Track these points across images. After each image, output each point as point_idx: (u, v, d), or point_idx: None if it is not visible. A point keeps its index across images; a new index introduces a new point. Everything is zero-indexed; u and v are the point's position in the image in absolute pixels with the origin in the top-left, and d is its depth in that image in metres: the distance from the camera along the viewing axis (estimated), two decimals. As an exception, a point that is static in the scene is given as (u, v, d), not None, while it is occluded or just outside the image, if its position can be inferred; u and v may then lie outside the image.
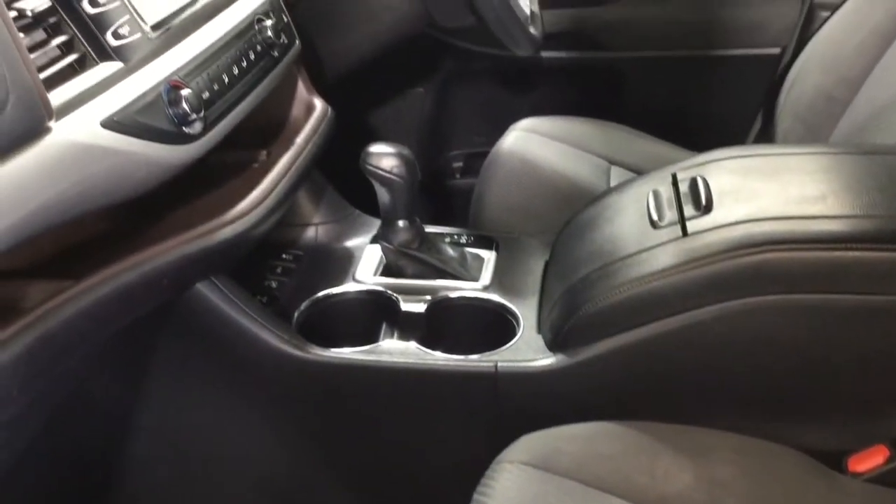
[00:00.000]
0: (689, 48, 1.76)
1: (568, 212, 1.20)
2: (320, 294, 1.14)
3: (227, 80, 0.95)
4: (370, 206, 1.20)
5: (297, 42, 1.16)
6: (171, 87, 0.86)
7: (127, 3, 0.85)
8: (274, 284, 1.16)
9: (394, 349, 1.04)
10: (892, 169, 0.96)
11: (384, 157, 1.09)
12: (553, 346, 1.00)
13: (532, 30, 1.33)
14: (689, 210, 0.97)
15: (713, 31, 1.73)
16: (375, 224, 1.27)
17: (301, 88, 1.22)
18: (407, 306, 1.11)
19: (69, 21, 0.80)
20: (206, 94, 0.91)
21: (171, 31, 0.90)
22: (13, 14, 0.74)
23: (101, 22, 0.81)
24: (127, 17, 0.85)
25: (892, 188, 0.91)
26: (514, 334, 1.05)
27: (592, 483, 0.85)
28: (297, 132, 1.14)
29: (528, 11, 1.38)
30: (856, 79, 1.36)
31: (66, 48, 0.79)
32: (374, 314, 1.13)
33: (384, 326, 1.11)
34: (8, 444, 0.88)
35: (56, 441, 1.04)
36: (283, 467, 1.13)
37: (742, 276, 0.89)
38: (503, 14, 1.23)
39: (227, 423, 1.10)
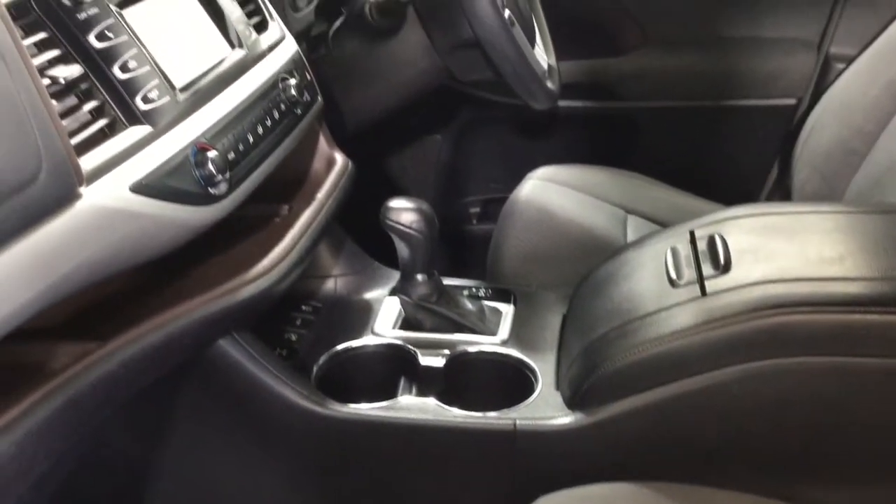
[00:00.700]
0: (705, 98, 1.78)
1: (585, 263, 1.20)
2: (339, 347, 1.15)
3: (251, 139, 0.97)
4: (388, 256, 1.21)
5: (320, 98, 1.18)
6: (198, 149, 0.88)
7: (156, 67, 0.87)
8: (293, 337, 1.17)
9: (412, 405, 1.04)
10: (910, 230, 0.96)
11: (404, 212, 1.11)
12: (572, 403, 1.00)
13: (549, 84, 1.35)
14: (707, 269, 0.98)
15: (729, 82, 1.75)
16: (394, 276, 1.28)
17: (322, 143, 1.23)
18: (425, 360, 1.11)
19: (100, 87, 0.81)
20: (231, 155, 0.92)
21: (198, 93, 0.92)
22: (46, 81, 0.76)
23: (131, 87, 0.83)
24: (156, 81, 0.87)
25: (909, 250, 0.92)
26: (532, 390, 1.06)
27: (611, 546, 0.84)
28: (318, 187, 1.16)
29: (545, 66, 1.40)
30: (872, 132, 1.36)
31: (96, 113, 0.81)
32: (393, 368, 1.13)
33: (402, 380, 1.11)
34: (31, 502, 0.89)
35: (76, 495, 1.04)
36: None
37: (761, 337, 0.89)
38: (521, 69, 1.25)
39: (245, 477, 1.10)
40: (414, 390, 1.09)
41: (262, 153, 0.99)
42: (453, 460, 1.04)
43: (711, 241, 1.01)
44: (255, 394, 1.03)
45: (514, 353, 1.12)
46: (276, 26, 1.14)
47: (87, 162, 0.76)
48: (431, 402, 1.04)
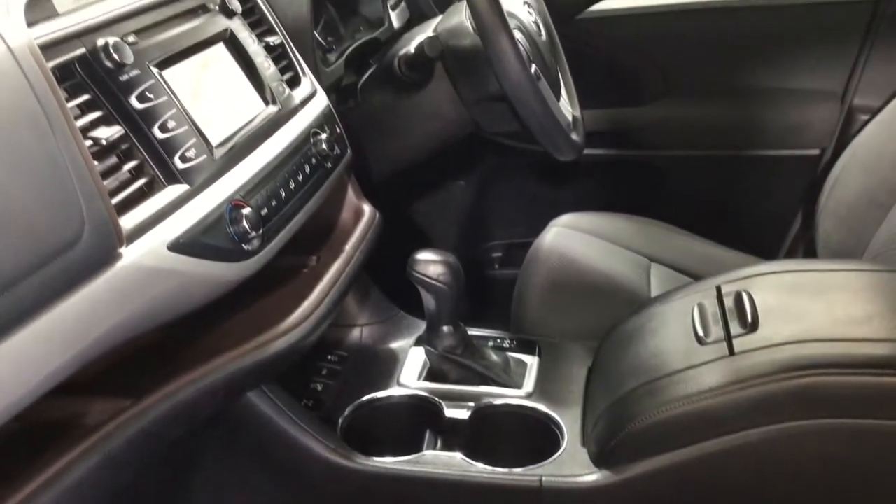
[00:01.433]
0: (729, 148, 1.78)
1: (609, 312, 1.20)
2: (365, 398, 1.15)
3: (283, 195, 0.99)
4: (412, 302, 1.22)
5: (349, 151, 1.20)
6: (233, 206, 0.89)
7: (194, 127, 0.89)
8: (319, 387, 1.18)
9: (438, 460, 1.04)
10: (939, 290, 0.96)
11: (430, 264, 1.12)
12: (598, 461, 1.00)
13: (574, 135, 1.36)
14: (734, 327, 0.98)
15: (753, 132, 1.75)
16: (419, 325, 1.28)
17: (350, 194, 1.25)
18: (451, 412, 1.12)
19: (140, 147, 0.83)
20: (264, 211, 0.94)
21: (233, 150, 0.94)
22: (89, 143, 0.78)
23: (170, 146, 0.85)
24: (194, 139, 0.88)
25: (938, 311, 0.92)
26: (557, 445, 1.06)
27: None
28: (346, 238, 1.17)
29: (569, 117, 1.41)
30: (896, 184, 1.37)
31: (136, 172, 0.83)
32: (418, 419, 1.14)
33: (428, 433, 1.11)
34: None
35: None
36: None
37: (789, 399, 0.89)
38: (546, 123, 1.26)
39: (270, 529, 1.11)
40: (439, 443, 1.09)
41: (294, 208, 1.01)
42: (479, 516, 1.04)
43: (738, 298, 1.01)
44: (281, 445, 1.04)
45: (539, 406, 1.12)
46: (307, 81, 1.16)
47: (127, 221, 0.77)
48: (457, 456, 1.05)
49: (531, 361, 1.22)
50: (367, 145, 1.33)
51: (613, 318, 1.19)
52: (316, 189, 1.07)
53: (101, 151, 0.80)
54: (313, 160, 1.08)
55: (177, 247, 0.81)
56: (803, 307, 0.97)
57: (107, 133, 0.80)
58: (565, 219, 1.55)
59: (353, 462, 1.03)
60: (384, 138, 1.37)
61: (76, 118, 0.77)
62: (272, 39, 1.13)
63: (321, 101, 1.17)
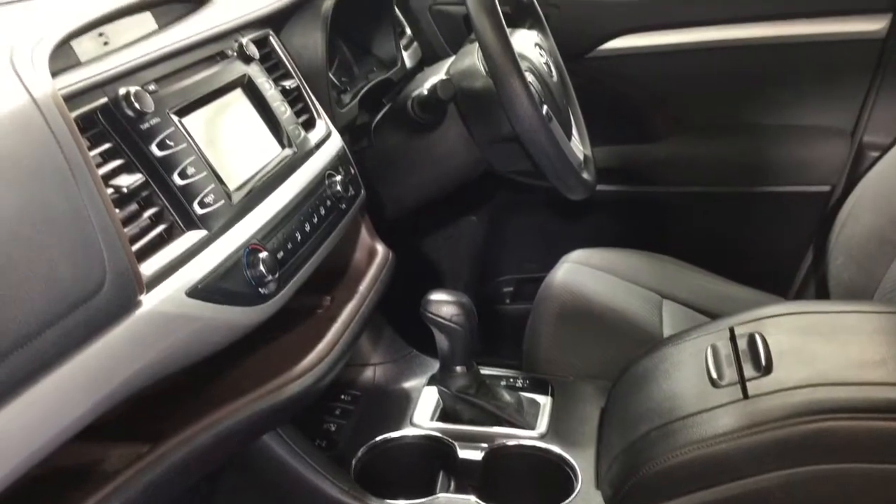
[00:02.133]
0: (739, 184, 1.79)
1: (621, 350, 1.20)
2: (378, 439, 1.16)
3: (299, 237, 1.00)
4: (426, 341, 1.23)
5: (363, 191, 1.21)
6: (251, 250, 0.90)
7: (212, 172, 0.90)
8: (333, 427, 1.18)
9: (452, 503, 1.04)
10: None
11: (444, 304, 1.12)
12: (613, 504, 1.00)
13: (585, 175, 1.37)
14: (748, 370, 0.98)
15: (763, 168, 1.76)
16: (432, 364, 1.29)
17: (364, 234, 1.26)
18: (464, 453, 1.12)
19: (160, 194, 0.84)
20: (280, 254, 0.95)
21: (251, 194, 0.95)
22: (110, 191, 0.79)
23: (189, 193, 0.86)
24: (212, 185, 0.90)
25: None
26: (571, 488, 1.06)
27: None
28: (360, 278, 1.18)
29: (581, 156, 1.42)
30: (907, 221, 1.37)
31: (155, 218, 0.84)
32: (432, 460, 1.14)
33: (441, 474, 1.11)
34: None
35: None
36: None
37: (804, 443, 0.89)
38: (558, 164, 1.27)
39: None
40: (452, 484, 1.09)
41: (309, 250, 1.02)
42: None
43: (752, 341, 1.01)
44: (295, 487, 1.04)
45: (553, 448, 1.12)
46: (322, 123, 1.18)
47: (147, 268, 0.78)
48: (471, 499, 1.05)
49: (544, 401, 1.22)
50: (381, 185, 1.34)
51: (626, 356, 1.19)
52: (331, 231, 1.08)
53: (121, 199, 0.81)
54: (328, 202, 1.09)
55: (195, 292, 0.81)
56: (817, 350, 0.98)
57: (128, 181, 0.81)
58: (576, 255, 1.55)
59: (366, 504, 1.03)
60: (398, 178, 1.38)
61: (98, 166, 0.78)
62: (288, 83, 1.14)
63: (336, 143, 1.18)
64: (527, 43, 1.38)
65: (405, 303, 1.23)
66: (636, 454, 0.98)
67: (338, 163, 1.15)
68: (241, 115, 1.03)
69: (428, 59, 1.70)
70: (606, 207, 1.88)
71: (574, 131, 1.46)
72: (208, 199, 0.88)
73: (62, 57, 0.84)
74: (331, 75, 1.31)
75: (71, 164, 0.70)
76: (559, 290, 1.46)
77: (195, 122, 0.92)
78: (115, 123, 0.83)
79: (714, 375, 1.00)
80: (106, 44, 0.92)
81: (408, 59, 1.58)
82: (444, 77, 1.31)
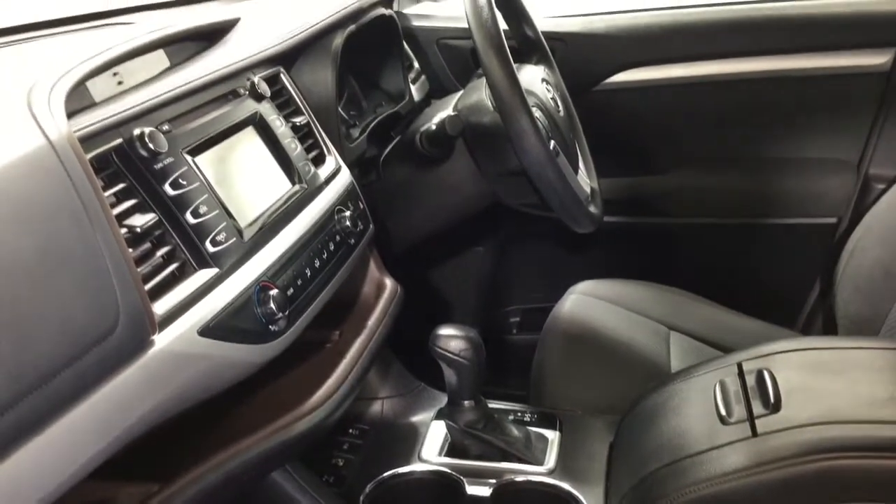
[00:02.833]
0: (745, 216, 1.80)
1: (629, 382, 1.20)
2: (386, 474, 1.16)
3: (309, 274, 1.00)
4: (433, 374, 1.23)
5: (371, 225, 1.22)
6: (261, 287, 0.91)
7: (224, 210, 0.91)
8: (341, 462, 1.18)
9: (460, 540, 1.04)
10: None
11: (452, 339, 1.13)
12: (622, 542, 1.00)
13: (592, 208, 1.38)
14: (757, 407, 0.98)
15: (768, 201, 1.77)
16: (440, 398, 1.29)
17: (372, 268, 1.27)
18: (472, 489, 1.12)
19: (173, 233, 0.85)
20: (290, 291, 0.96)
21: (261, 231, 0.96)
22: (124, 230, 0.80)
23: (201, 231, 0.87)
24: (224, 223, 0.90)
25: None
26: (580, 525, 1.05)
27: None
28: (368, 313, 1.19)
29: (587, 190, 1.43)
30: (914, 255, 1.37)
31: (167, 257, 0.84)
32: (440, 496, 1.14)
33: (449, 511, 1.11)
34: None
35: None
36: None
37: (813, 482, 0.89)
38: (565, 198, 1.28)
39: None
40: (461, 520, 1.09)
41: (319, 287, 1.02)
42: None
43: (760, 377, 1.01)
44: (303, 524, 1.04)
45: (562, 484, 1.11)
46: (332, 159, 1.19)
47: (160, 307, 0.79)
48: (480, 538, 1.04)
49: (552, 436, 1.22)
50: (389, 218, 1.35)
51: (633, 389, 1.19)
52: (340, 266, 1.09)
53: (135, 238, 0.81)
54: (337, 237, 1.10)
55: (207, 331, 0.82)
56: (826, 387, 0.97)
57: (141, 221, 0.82)
58: (583, 286, 1.56)
59: (374, 542, 1.03)
60: (406, 211, 1.39)
61: (111, 206, 0.79)
62: (298, 119, 1.15)
63: (345, 178, 1.19)
64: (534, 78, 1.40)
65: (413, 335, 1.23)
66: (646, 491, 0.98)
67: (347, 198, 1.16)
68: (253, 153, 1.04)
69: (435, 91, 1.72)
70: (613, 238, 1.89)
71: (581, 164, 1.47)
72: (220, 237, 0.89)
73: (77, 97, 0.85)
74: (340, 110, 1.33)
75: (86, 205, 0.71)
76: (566, 322, 1.46)
77: (207, 161, 0.93)
78: (129, 164, 0.84)
79: (723, 412, 1.00)
80: (120, 83, 0.94)
81: (416, 92, 1.59)
82: (452, 113, 1.32)
